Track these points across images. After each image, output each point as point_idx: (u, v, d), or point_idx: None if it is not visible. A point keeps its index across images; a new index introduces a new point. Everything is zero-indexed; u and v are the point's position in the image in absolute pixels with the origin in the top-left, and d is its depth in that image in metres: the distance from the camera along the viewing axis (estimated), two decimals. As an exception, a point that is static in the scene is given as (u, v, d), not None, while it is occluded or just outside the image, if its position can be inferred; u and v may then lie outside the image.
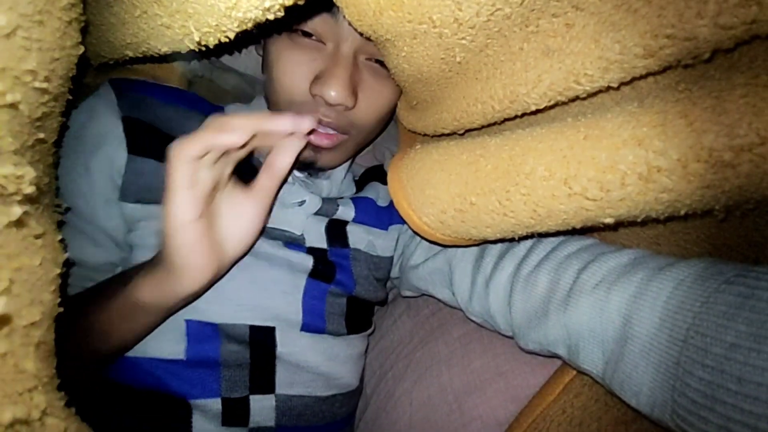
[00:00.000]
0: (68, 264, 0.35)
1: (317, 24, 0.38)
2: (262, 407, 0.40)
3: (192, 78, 0.54)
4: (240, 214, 0.37)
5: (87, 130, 0.40)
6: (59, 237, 0.30)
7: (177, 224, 0.31)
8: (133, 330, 0.36)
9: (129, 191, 0.40)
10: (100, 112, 0.40)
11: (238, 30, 0.29)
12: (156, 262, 0.34)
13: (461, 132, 0.39)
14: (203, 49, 0.32)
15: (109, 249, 0.41)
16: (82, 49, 0.27)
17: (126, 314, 0.35)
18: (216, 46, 0.31)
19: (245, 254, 0.39)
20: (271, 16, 0.28)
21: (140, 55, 0.38)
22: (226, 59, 0.55)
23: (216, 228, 0.35)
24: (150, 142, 0.41)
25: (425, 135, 0.44)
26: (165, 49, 0.34)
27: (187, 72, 0.52)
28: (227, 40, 0.30)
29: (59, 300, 0.26)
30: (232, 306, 0.40)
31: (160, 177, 0.36)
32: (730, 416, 0.22)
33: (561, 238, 0.37)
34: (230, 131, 0.30)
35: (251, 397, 0.39)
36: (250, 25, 0.29)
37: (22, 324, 0.22)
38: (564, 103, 0.30)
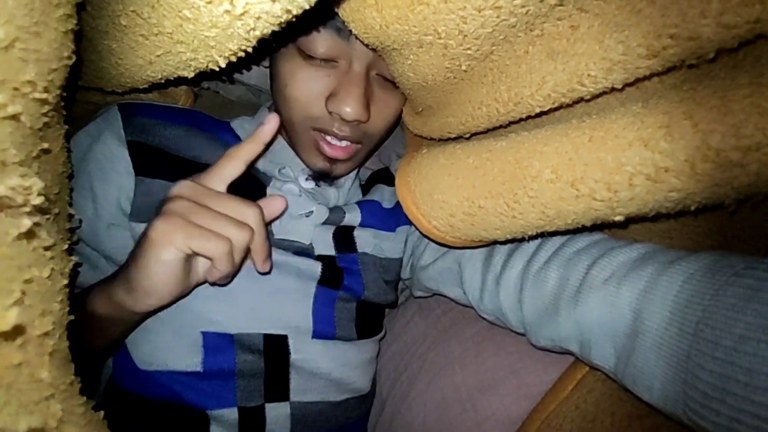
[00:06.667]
0: (75, 272, 0.36)
1: (328, 45, 0.39)
2: (277, 415, 0.40)
3: (198, 92, 0.55)
4: None
5: (92, 153, 0.40)
6: (65, 246, 0.30)
7: (163, 257, 0.32)
8: (104, 337, 0.36)
9: (139, 211, 0.40)
10: (105, 136, 0.41)
11: (255, 44, 0.30)
12: (117, 278, 0.34)
13: (467, 136, 0.39)
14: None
15: (106, 272, 0.40)
16: (74, 58, 0.27)
17: (89, 324, 0.35)
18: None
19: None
20: (283, 23, 0.29)
21: (163, 81, 0.38)
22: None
23: (192, 262, 0.35)
24: (156, 163, 0.41)
25: (431, 139, 0.44)
26: (192, 75, 0.35)
27: (193, 86, 0.53)
28: (246, 54, 0.31)
29: (68, 309, 0.26)
30: (247, 316, 0.41)
31: None
32: (741, 408, 0.22)
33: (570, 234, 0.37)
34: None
35: (266, 405, 0.40)
36: (267, 36, 0.29)
37: (35, 334, 0.22)
38: (569, 105, 0.30)
